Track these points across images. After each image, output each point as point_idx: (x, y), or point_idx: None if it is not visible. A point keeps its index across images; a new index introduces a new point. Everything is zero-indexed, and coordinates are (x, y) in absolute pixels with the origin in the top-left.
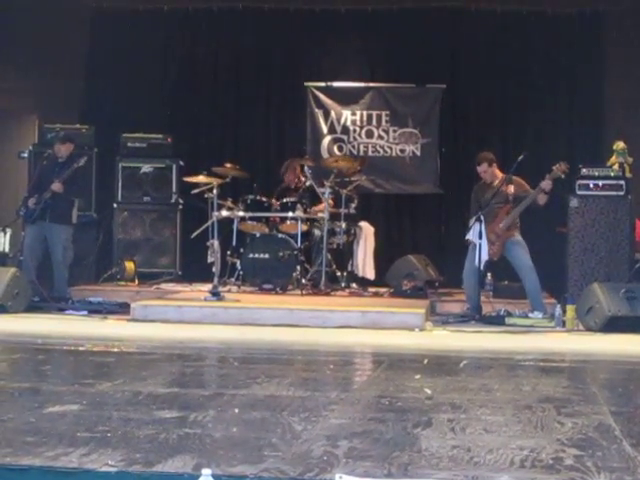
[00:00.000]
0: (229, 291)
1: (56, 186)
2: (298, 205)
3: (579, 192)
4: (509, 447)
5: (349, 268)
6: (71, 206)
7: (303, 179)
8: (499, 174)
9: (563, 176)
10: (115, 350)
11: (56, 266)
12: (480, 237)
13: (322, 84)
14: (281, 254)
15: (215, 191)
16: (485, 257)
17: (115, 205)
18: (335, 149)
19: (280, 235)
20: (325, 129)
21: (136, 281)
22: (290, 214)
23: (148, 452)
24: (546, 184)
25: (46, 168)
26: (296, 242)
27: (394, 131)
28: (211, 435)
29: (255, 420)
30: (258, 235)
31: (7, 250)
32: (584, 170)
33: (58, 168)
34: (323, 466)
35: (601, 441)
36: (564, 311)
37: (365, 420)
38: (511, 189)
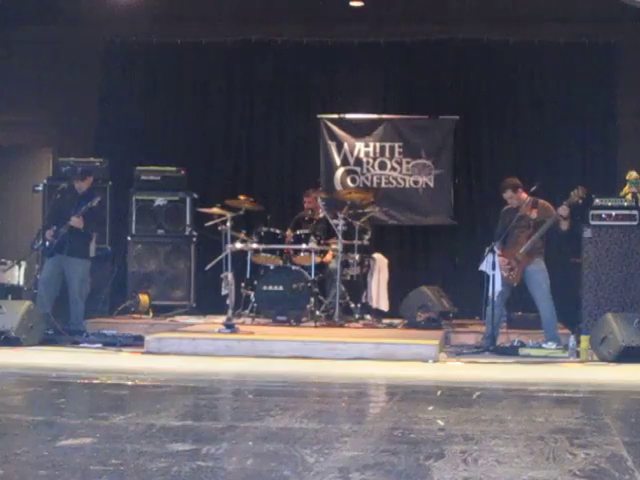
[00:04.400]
0: (243, 323)
1: (75, 221)
2: (312, 237)
3: (592, 222)
4: (521, 478)
5: (363, 300)
6: (89, 240)
7: (319, 210)
8: (526, 198)
9: (581, 201)
10: (129, 383)
11: (73, 299)
12: (493, 268)
13: (335, 116)
14: (295, 286)
15: (229, 223)
16: (499, 288)
17: (129, 238)
18: (348, 181)
19: (294, 267)
20: (338, 161)
21: (150, 314)
22: (304, 246)
23: None
24: (563, 210)
25: (63, 202)
26: (310, 274)
27: (407, 162)
28: (224, 468)
29: (268, 452)
30: (272, 267)
31: (22, 283)
32: (597, 200)
33: (77, 202)
34: None
35: (613, 472)
36: (578, 341)
37: (378, 452)
38: (534, 213)
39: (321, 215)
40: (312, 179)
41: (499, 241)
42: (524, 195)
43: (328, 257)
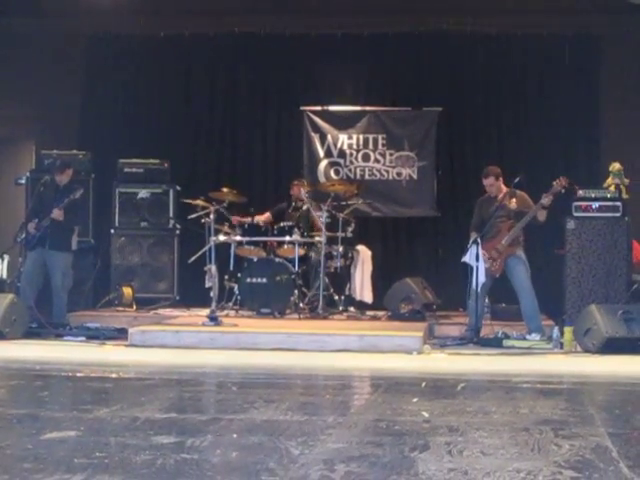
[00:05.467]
0: (227, 316)
1: (56, 213)
2: (295, 229)
3: (576, 214)
4: (506, 470)
5: (347, 292)
6: (71, 233)
7: (304, 201)
8: (504, 189)
9: (563, 191)
10: (113, 376)
11: (55, 292)
12: (477, 259)
13: (318, 108)
14: (278, 278)
15: (212, 216)
16: (482, 279)
17: (112, 231)
18: (332, 173)
19: (277, 259)
20: (322, 153)
21: (134, 306)
22: (287, 238)
23: (145, 478)
24: (547, 199)
25: (45, 194)
26: (293, 266)
27: (390, 154)
28: (208, 460)
29: (253, 445)
30: (255, 259)
31: (5, 276)
32: (581, 192)
33: (59, 194)
34: None
35: (598, 463)
36: (562, 333)
37: (362, 444)
38: (514, 204)
39: (304, 208)
40: (295, 171)
41: (480, 233)
42: (503, 186)
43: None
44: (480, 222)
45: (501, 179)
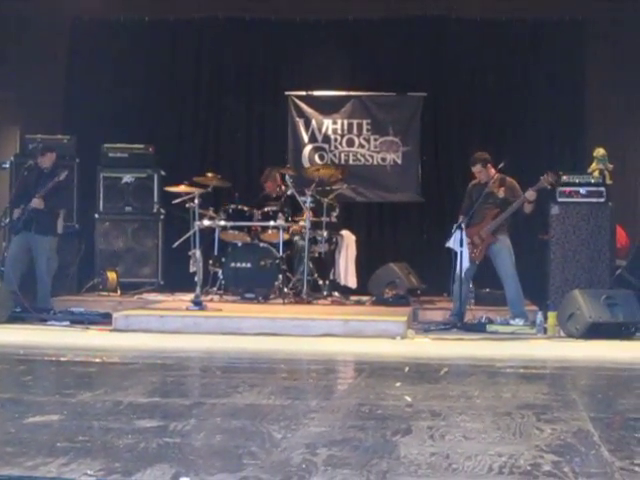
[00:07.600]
0: (211, 300)
1: (36, 202)
2: (280, 214)
3: (560, 199)
4: (487, 454)
5: (331, 277)
6: (56, 217)
7: (284, 188)
8: (494, 174)
9: (550, 187)
10: (97, 360)
11: (40, 277)
12: (461, 245)
13: (303, 93)
14: (263, 263)
15: (196, 200)
16: (466, 265)
17: (97, 215)
18: (316, 158)
19: (262, 244)
20: (306, 138)
21: (118, 291)
22: (272, 223)
23: (127, 461)
24: (530, 194)
25: (30, 179)
26: (278, 251)
27: (375, 139)
28: (191, 444)
29: (235, 429)
30: (240, 244)
31: None
32: (565, 177)
33: (43, 179)
34: (302, 474)
35: (579, 447)
36: (545, 318)
37: (345, 428)
38: (501, 192)
39: (288, 193)
40: (280, 156)
41: (466, 217)
42: (493, 171)
43: (295, 227)
44: (470, 207)
45: (489, 165)
